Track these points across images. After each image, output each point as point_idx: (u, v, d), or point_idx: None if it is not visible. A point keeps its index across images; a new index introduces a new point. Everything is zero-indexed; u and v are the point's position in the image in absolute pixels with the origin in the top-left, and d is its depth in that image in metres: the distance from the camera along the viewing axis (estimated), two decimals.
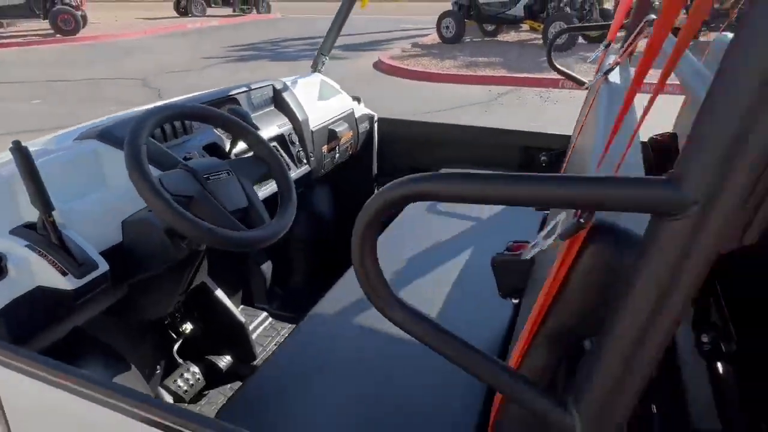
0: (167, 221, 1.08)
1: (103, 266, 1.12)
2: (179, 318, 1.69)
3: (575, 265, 0.57)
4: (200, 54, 12.44)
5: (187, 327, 1.71)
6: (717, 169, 0.41)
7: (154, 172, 1.13)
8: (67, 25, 14.86)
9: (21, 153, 1.00)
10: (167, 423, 0.71)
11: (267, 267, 2.09)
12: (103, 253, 1.16)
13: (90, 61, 11.34)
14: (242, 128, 1.38)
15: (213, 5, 22.33)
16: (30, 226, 1.09)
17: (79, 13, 15.19)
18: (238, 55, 12.37)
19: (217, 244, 1.12)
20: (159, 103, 1.45)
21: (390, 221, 1.90)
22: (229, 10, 22.85)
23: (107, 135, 1.30)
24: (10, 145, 1.00)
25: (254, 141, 1.40)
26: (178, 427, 0.71)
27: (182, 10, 21.92)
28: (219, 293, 1.70)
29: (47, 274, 1.05)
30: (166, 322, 1.67)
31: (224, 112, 1.37)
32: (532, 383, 0.57)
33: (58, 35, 14.85)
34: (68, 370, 0.83)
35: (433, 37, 13.41)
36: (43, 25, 15.23)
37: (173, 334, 1.70)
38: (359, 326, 1.28)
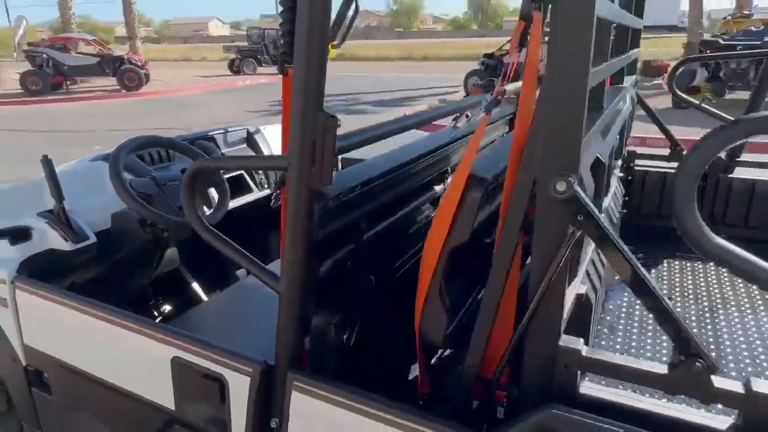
0: (135, 210, 1.64)
1: (93, 239, 1.69)
2: (160, 300, 2.22)
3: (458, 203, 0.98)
4: (245, 108, 13.63)
5: (165, 308, 2.24)
6: None
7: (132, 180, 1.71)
8: (132, 81, 16.54)
9: (47, 162, 1.60)
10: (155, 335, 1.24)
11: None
12: (96, 234, 1.73)
13: (149, 114, 12.67)
14: (187, 149, 1.96)
15: (263, 64, 24.10)
16: (50, 211, 1.67)
17: (143, 71, 16.91)
18: (277, 108, 13.50)
19: (164, 225, 1.68)
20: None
21: None
22: (276, 68, 24.63)
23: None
24: (41, 158, 1.61)
25: (195, 157, 1.97)
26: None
27: (235, 69, 23.82)
28: (191, 280, 2.23)
29: (56, 241, 1.62)
30: (149, 303, 2.21)
31: (178, 141, 1.96)
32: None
33: (124, 90, 16.51)
34: (76, 298, 1.39)
35: (462, 95, 14.14)
36: (111, 81, 17.03)
37: (155, 314, 2.23)
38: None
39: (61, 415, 1.56)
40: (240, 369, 1.12)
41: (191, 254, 2.20)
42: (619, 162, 2.07)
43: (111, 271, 1.85)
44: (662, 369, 0.78)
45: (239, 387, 1.13)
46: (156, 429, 1.34)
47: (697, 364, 0.74)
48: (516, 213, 0.84)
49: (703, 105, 2.14)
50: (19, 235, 1.60)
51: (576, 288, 1.04)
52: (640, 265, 0.78)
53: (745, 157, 2.14)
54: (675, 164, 2.24)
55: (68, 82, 16.71)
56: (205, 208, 1.92)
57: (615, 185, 1.90)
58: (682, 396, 0.82)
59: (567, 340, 0.85)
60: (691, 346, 0.75)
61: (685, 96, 2.34)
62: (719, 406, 0.89)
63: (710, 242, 0.73)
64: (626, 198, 2.26)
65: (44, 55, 16.00)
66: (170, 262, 2.05)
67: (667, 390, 0.78)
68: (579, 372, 0.86)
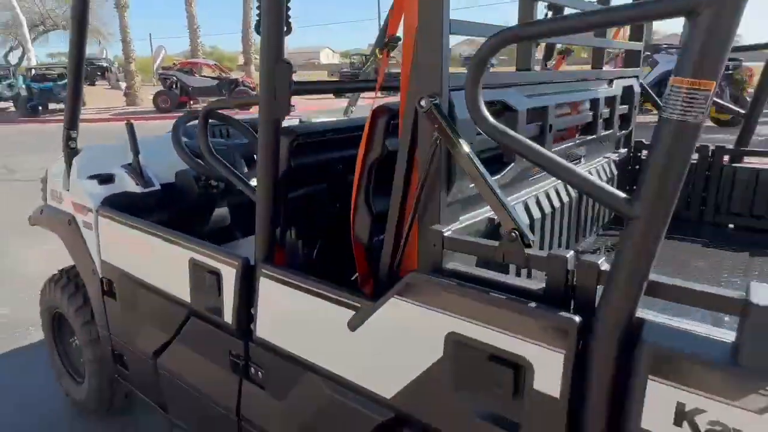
0: (190, 166, 2.08)
1: (158, 186, 2.16)
2: None
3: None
4: None
5: None
6: None
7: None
8: None
9: (130, 127, 2.11)
10: None
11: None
12: (162, 185, 2.20)
13: None
14: (238, 125, 2.36)
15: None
16: (129, 164, 2.18)
17: (254, 92, 18.60)
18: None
19: (209, 176, 2.12)
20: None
21: None
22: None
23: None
24: (125, 123, 2.12)
25: (245, 132, 2.37)
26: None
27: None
28: (239, 238, 2.65)
29: (130, 185, 2.11)
30: None
31: (232, 118, 2.40)
32: None
33: (237, 109, 18.25)
34: (139, 222, 1.85)
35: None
36: None
37: None
38: None
39: (123, 316, 2.02)
40: (230, 264, 1.48)
41: (243, 219, 2.63)
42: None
43: (172, 219, 2.31)
44: (495, 244, 1.01)
45: (229, 279, 1.48)
46: (180, 321, 1.73)
47: (516, 237, 0.96)
48: (407, 129, 1.12)
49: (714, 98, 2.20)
50: (105, 179, 2.11)
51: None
52: (480, 164, 1.01)
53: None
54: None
55: (191, 102, 18.81)
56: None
57: (602, 161, 2.05)
58: (514, 265, 1.04)
59: (437, 227, 1.10)
60: (513, 225, 0.97)
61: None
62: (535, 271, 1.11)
63: (485, 121, 0.95)
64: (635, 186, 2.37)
65: (174, 78, 18.20)
66: (221, 220, 2.49)
67: (496, 257, 1.00)
68: (443, 249, 1.10)
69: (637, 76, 2.23)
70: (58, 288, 2.43)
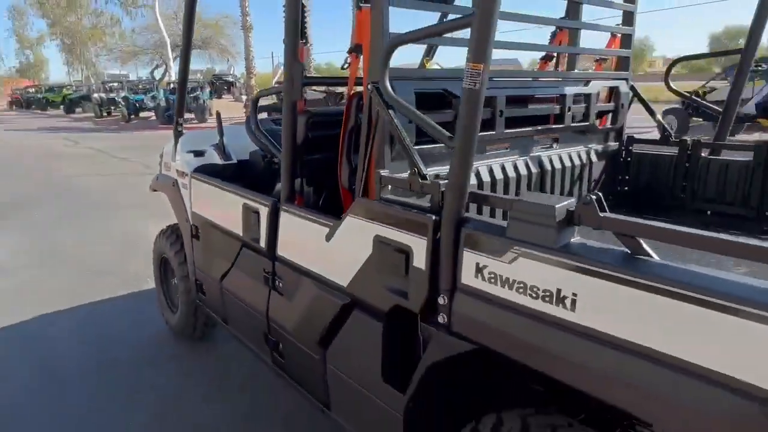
0: (258, 147, 2.77)
1: (234, 161, 2.87)
2: None
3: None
4: None
5: None
6: None
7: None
8: None
9: (218, 116, 2.85)
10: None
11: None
12: (239, 161, 2.91)
13: None
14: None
15: None
16: (216, 144, 2.92)
17: None
18: None
19: (271, 154, 2.79)
20: None
21: None
22: None
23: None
24: (215, 113, 2.86)
25: None
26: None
27: None
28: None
29: (215, 158, 2.84)
30: None
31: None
32: None
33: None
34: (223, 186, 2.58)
35: (654, 135, 13.44)
36: None
37: None
38: None
39: (203, 253, 2.74)
40: (264, 204, 2.09)
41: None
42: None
43: (245, 186, 3.03)
44: (405, 176, 1.49)
45: (264, 215, 2.10)
46: (237, 251, 2.39)
47: (416, 173, 1.45)
48: (366, 107, 1.64)
49: (693, 97, 2.46)
50: (198, 153, 2.87)
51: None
52: (402, 127, 1.51)
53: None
54: (665, 147, 2.59)
55: None
56: None
57: (582, 152, 2.41)
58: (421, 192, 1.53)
59: (379, 170, 1.61)
60: (416, 166, 1.46)
61: (676, 89, 2.64)
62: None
63: (392, 98, 1.45)
64: (627, 176, 2.68)
65: None
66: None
67: (407, 187, 1.48)
68: (381, 185, 1.60)
69: (626, 79, 2.56)
70: (164, 237, 3.26)
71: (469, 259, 1.26)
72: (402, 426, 1.53)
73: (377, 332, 1.58)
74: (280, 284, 2.07)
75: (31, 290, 4.16)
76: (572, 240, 1.13)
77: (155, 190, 3.40)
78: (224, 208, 2.48)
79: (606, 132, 2.58)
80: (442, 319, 1.36)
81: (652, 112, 2.60)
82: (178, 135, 3.01)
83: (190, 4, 2.82)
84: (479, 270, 1.24)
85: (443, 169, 1.80)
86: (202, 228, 2.72)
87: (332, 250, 1.75)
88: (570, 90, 2.26)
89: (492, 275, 1.21)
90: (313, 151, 2.11)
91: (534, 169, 2.16)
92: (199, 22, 32.06)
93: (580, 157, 2.40)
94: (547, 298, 1.10)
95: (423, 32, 1.42)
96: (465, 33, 1.25)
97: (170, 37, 27.03)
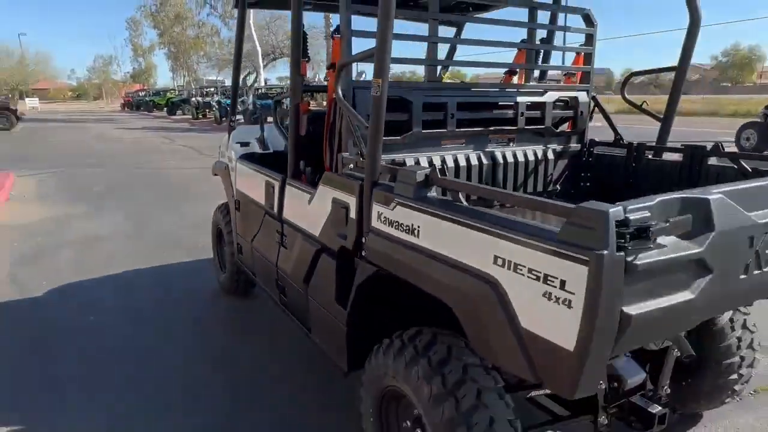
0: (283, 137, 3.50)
1: (272, 150, 3.60)
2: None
3: None
4: None
5: None
6: None
7: None
8: None
9: (260, 115, 3.61)
10: None
11: None
12: (275, 150, 3.64)
13: None
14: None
15: None
16: (258, 137, 3.66)
17: None
18: None
19: None
20: None
21: None
22: None
23: None
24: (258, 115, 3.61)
25: None
26: None
27: None
28: None
29: (257, 149, 3.59)
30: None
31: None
32: None
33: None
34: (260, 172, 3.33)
35: (732, 149, 12.89)
36: None
37: None
38: None
39: (242, 221, 3.50)
40: (276, 179, 2.77)
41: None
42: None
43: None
44: (353, 158, 2.11)
45: (276, 187, 2.79)
46: (261, 217, 3.11)
47: (359, 156, 2.06)
48: (335, 106, 2.28)
49: (642, 107, 2.86)
50: (244, 144, 3.64)
51: None
52: (359, 120, 2.12)
53: None
54: (617, 149, 3.00)
55: None
56: None
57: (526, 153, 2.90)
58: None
59: (342, 153, 2.23)
60: (359, 150, 2.07)
61: (630, 100, 3.01)
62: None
63: (341, 101, 2.08)
64: (588, 173, 3.11)
65: None
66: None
67: (357, 165, 2.09)
68: (342, 164, 2.21)
69: (587, 90, 3.01)
70: (219, 212, 4.08)
71: (376, 209, 1.87)
72: (345, 335, 2.15)
73: (332, 267, 2.21)
74: (285, 240, 2.76)
75: (124, 253, 5.19)
76: (428, 194, 1.71)
77: (215, 174, 4.24)
78: (255, 185, 3.21)
79: (568, 135, 3.04)
80: (364, 252, 1.97)
81: (609, 120, 3.03)
82: (231, 129, 3.81)
83: (241, 23, 3.57)
84: (379, 216, 1.84)
85: (399, 156, 2.41)
86: (242, 202, 3.48)
87: (311, 210, 2.41)
88: (523, 99, 2.77)
89: (385, 219, 1.81)
90: (314, 140, 2.79)
91: (486, 161, 2.70)
92: (286, 33, 34.30)
93: (535, 154, 2.89)
94: (407, 230, 1.69)
95: (359, 56, 2.04)
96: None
97: (261, 47, 29.09)
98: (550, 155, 2.95)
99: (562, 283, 1.18)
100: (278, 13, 33.34)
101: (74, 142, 17.34)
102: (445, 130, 2.53)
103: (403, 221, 1.72)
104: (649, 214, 1.19)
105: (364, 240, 1.96)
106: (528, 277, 1.26)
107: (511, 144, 2.85)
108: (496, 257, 1.36)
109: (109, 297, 4.12)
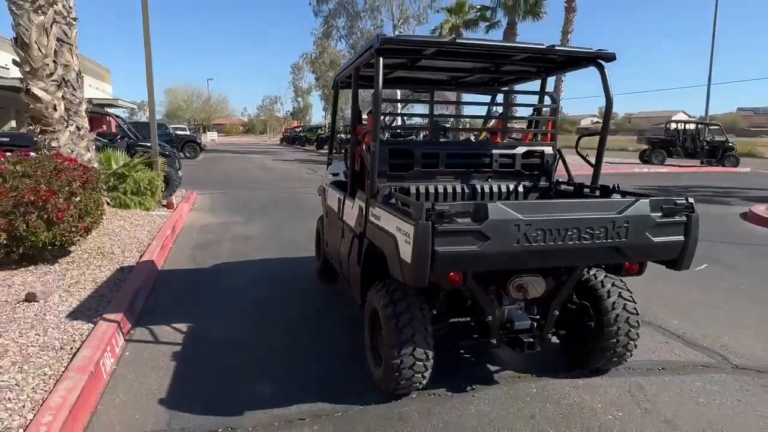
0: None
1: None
2: None
3: None
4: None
5: None
6: None
7: None
8: None
9: (345, 152, 5.48)
10: None
11: None
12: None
13: None
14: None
15: (674, 156, 24.57)
16: (344, 170, 5.49)
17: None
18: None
19: None
20: None
21: None
22: (689, 161, 24.50)
23: None
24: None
25: None
26: None
27: (645, 159, 25.27)
28: None
29: (342, 177, 5.42)
30: None
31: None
32: None
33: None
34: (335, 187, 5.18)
35: None
36: None
37: None
38: None
39: (327, 226, 5.30)
40: (341, 194, 4.55)
41: None
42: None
43: None
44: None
45: (341, 201, 4.55)
46: (335, 222, 4.89)
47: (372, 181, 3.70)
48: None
49: (587, 158, 4.11)
50: (334, 173, 5.45)
51: None
52: (369, 160, 3.76)
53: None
54: (570, 186, 4.27)
55: None
56: None
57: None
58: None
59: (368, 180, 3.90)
60: (372, 178, 3.70)
61: (580, 153, 4.21)
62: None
63: (366, 153, 3.75)
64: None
65: None
66: None
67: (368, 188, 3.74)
68: (366, 185, 3.86)
69: (553, 146, 4.35)
70: (319, 220, 5.98)
71: (372, 209, 3.52)
72: (359, 283, 3.80)
73: (356, 244, 3.90)
74: (343, 234, 4.50)
75: (263, 248, 7.39)
76: (390, 201, 3.32)
77: (319, 195, 6.18)
78: (334, 200, 5.03)
79: (538, 176, 4.40)
80: (366, 233, 3.63)
81: (566, 167, 4.33)
82: (328, 164, 5.73)
83: (335, 99, 5.48)
84: (371, 212, 3.49)
85: (406, 185, 4.04)
86: (328, 212, 5.32)
87: (353, 213, 4.12)
88: (497, 151, 4.24)
89: (373, 214, 3.45)
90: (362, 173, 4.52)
91: (467, 191, 4.20)
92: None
93: (508, 187, 4.30)
94: (377, 218, 3.31)
95: (367, 128, 3.73)
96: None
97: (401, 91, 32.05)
98: (521, 189, 4.35)
99: (408, 235, 2.75)
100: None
101: (239, 169, 21.37)
102: (437, 170, 4.11)
103: (377, 213, 3.35)
104: (447, 208, 2.70)
105: (366, 226, 3.62)
106: (402, 233, 2.84)
107: (489, 180, 4.31)
108: (395, 225, 2.95)
109: (249, 270, 6.24)
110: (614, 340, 3.47)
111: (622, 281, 3.61)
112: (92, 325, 4.06)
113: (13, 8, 6.57)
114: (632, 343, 3.52)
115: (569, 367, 3.74)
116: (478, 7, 25.25)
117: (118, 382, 3.51)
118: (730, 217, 10.68)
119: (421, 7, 30.45)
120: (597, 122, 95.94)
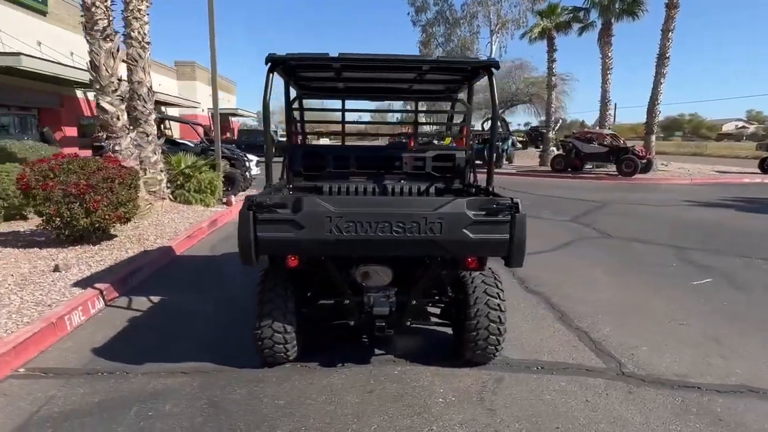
0: None
1: None
2: None
3: None
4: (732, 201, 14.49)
5: None
6: None
7: None
8: (628, 168, 19.72)
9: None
10: None
11: None
12: None
13: (629, 193, 15.77)
14: None
15: None
16: None
17: (641, 161, 19.72)
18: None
19: None
20: None
21: None
22: None
23: None
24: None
25: None
26: None
27: (765, 168, 22.46)
28: None
29: None
30: None
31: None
32: None
33: (620, 175, 19.86)
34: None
35: None
36: (611, 168, 20.81)
37: None
38: None
39: None
40: None
41: None
42: None
43: None
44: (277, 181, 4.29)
45: None
46: None
47: (281, 185, 4.24)
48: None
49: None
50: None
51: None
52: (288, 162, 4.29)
53: None
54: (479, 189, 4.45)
55: (583, 165, 21.65)
56: None
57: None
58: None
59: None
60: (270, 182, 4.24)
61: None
62: None
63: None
64: None
65: (570, 144, 21.57)
66: None
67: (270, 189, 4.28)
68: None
69: (465, 151, 4.58)
70: None
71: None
72: None
73: None
74: None
75: None
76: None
77: None
78: None
79: (451, 178, 4.66)
80: None
81: (474, 173, 4.55)
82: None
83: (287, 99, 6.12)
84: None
85: (320, 183, 4.55)
86: None
87: None
88: (408, 154, 4.58)
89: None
90: None
91: (378, 190, 4.59)
92: (526, 80, 36.28)
93: (419, 188, 4.62)
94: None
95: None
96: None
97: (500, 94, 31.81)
98: (432, 189, 4.65)
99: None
100: (521, 60, 35.63)
101: None
102: (349, 171, 4.58)
103: None
104: (266, 199, 3.20)
105: None
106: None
107: (402, 181, 4.66)
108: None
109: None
110: (474, 333, 3.67)
111: (494, 278, 3.79)
112: (83, 291, 5.12)
113: (88, 38, 8.14)
114: (494, 337, 3.68)
115: (454, 357, 3.97)
116: (571, 8, 24.28)
117: (77, 334, 4.46)
118: None
119: (520, 11, 30.01)
120: (743, 128, 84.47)
